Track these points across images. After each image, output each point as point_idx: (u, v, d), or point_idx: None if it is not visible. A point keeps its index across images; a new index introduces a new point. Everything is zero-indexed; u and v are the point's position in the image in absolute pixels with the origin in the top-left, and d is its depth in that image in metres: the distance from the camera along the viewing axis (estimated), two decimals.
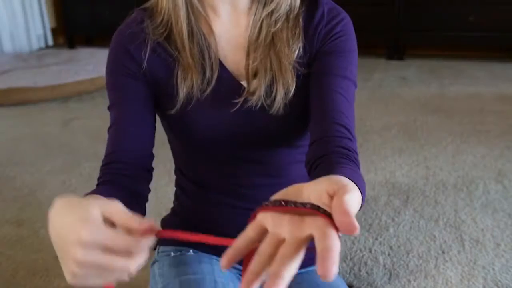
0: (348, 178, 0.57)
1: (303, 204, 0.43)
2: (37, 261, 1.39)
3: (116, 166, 0.77)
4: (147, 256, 0.47)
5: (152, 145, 0.83)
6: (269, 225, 0.44)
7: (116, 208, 0.48)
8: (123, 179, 0.76)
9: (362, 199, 0.63)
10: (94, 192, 0.69)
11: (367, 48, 3.82)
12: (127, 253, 0.45)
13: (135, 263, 0.46)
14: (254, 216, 0.46)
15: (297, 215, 0.43)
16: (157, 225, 0.49)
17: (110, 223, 0.47)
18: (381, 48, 3.85)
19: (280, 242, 0.42)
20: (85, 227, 0.45)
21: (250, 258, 0.43)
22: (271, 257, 0.41)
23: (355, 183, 0.59)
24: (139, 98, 0.80)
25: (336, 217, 0.40)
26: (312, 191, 0.45)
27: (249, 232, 0.45)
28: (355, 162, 0.71)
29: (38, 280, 1.31)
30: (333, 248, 0.38)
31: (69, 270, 0.46)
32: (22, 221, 1.61)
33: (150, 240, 0.47)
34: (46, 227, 1.68)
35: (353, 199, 0.43)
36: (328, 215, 0.41)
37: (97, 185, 0.75)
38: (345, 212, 0.40)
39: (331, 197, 0.44)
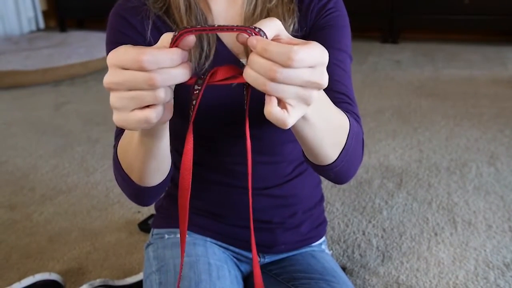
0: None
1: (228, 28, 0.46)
2: (30, 245, 1.39)
3: None
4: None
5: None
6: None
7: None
8: None
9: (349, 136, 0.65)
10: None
11: (361, 32, 3.81)
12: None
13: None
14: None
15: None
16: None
17: None
18: (375, 32, 3.83)
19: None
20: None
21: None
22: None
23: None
24: None
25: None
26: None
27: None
28: (357, 120, 0.71)
29: (31, 263, 1.31)
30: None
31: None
32: (14, 205, 1.61)
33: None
34: (39, 211, 1.65)
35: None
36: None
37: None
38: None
39: None
